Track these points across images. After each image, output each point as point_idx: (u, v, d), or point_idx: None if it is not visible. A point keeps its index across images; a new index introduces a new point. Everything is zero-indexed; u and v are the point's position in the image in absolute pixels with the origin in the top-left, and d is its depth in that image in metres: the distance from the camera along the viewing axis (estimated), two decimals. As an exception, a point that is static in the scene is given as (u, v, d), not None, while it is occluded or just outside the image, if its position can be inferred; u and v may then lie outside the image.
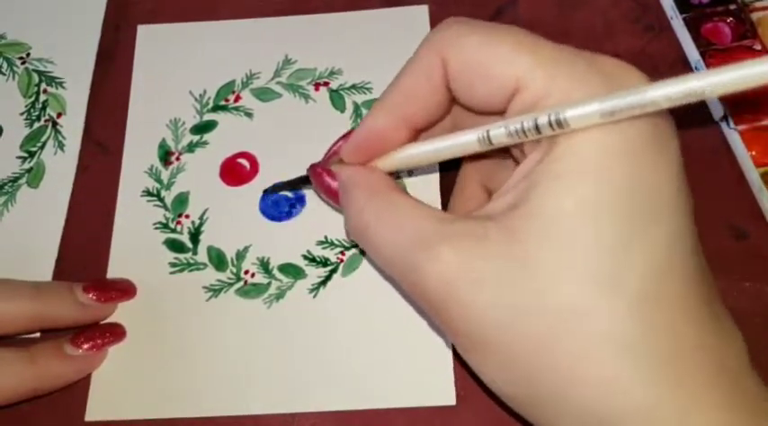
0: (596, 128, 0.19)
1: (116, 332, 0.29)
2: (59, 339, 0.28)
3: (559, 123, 0.19)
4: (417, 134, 0.25)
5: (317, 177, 0.27)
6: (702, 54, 0.32)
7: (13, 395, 0.27)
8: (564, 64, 0.20)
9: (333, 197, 0.27)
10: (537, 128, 0.20)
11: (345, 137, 0.26)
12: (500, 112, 0.22)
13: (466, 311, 0.20)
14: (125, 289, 0.30)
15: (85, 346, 0.28)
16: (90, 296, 0.28)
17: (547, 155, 0.20)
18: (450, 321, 0.21)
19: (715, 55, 0.32)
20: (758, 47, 0.32)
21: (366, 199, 0.23)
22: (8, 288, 0.27)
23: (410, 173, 0.31)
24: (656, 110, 0.19)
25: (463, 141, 0.22)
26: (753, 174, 0.30)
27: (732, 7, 0.33)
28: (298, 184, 0.30)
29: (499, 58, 0.21)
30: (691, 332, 0.19)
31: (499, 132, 0.21)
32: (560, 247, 0.19)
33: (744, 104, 0.31)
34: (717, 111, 0.31)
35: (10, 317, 0.27)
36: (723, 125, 0.31)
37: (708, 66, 0.32)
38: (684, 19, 0.33)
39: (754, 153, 0.30)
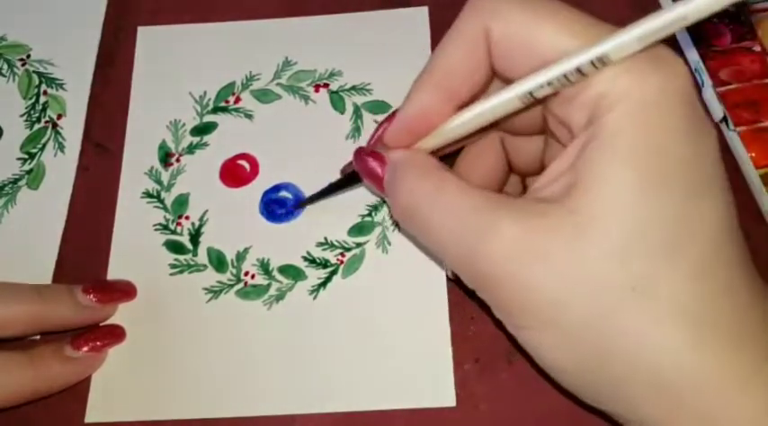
0: (644, 110, 0.19)
1: (115, 334, 0.29)
2: (59, 341, 0.28)
3: (601, 60, 0.19)
4: (458, 110, 0.24)
5: (361, 162, 0.26)
6: (702, 56, 0.32)
7: (13, 398, 0.27)
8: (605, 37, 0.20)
9: (377, 182, 0.26)
10: (579, 70, 0.19)
11: (389, 119, 0.25)
12: None
13: (526, 288, 0.20)
14: (125, 290, 0.30)
15: (85, 348, 0.28)
16: (90, 297, 0.28)
17: (598, 134, 0.20)
18: (506, 300, 0.21)
19: (715, 56, 0.32)
20: (757, 48, 0.32)
21: (417, 179, 0.23)
22: (8, 291, 0.27)
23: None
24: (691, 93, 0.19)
25: (506, 98, 0.21)
26: (753, 176, 0.30)
27: (731, 9, 0.33)
28: (334, 190, 0.30)
29: (543, 31, 0.20)
30: (745, 299, 0.19)
31: (540, 81, 0.20)
32: (624, 221, 0.19)
33: (743, 106, 0.31)
34: (716, 113, 0.31)
35: (11, 320, 0.27)
36: (723, 126, 0.31)
37: (707, 67, 0.32)
38: None
39: (753, 154, 0.30)
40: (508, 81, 0.23)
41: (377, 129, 0.27)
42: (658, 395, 0.19)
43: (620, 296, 0.19)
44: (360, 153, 0.26)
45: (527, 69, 0.21)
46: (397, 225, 0.31)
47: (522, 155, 0.27)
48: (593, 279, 0.19)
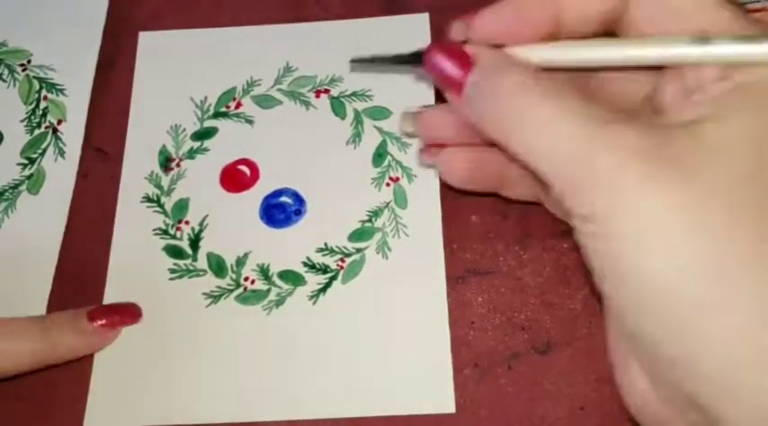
0: None
1: (132, 313, 0.29)
2: (75, 311, 0.28)
3: None
4: (548, 37, 0.22)
5: (436, 61, 0.22)
6: None
7: (24, 365, 0.27)
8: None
9: (449, 85, 0.22)
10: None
11: (469, 13, 0.22)
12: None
13: (631, 196, 0.18)
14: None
15: (101, 322, 0.28)
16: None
17: (731, 80, 0.19)
18: (605, 210, 0.18)
19: None
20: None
21: (531, 80, 0.20)
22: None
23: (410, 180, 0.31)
24: None
25: (675, 46, 0.20)
26: None
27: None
28: (399, 61, 0.25)
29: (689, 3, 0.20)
30: None
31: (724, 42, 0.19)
32: (740, 169, 0.18)
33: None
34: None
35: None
36: None
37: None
38: None
39: None
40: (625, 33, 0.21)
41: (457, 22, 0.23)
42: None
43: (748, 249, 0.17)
44: (435, 49, 0.22)
45: (661, 21, 0.20)
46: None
47: (616, 90, 0.24)
48: (725, 202, 0.17)
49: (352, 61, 0.27)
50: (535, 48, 0.21)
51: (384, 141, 0.33)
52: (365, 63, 0.26)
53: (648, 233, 0.18)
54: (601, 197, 0.19)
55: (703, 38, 0.19)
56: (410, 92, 0.33)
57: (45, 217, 0.32)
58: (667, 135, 0.18)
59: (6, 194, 0.33)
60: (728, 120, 0.18)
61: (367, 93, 0.34)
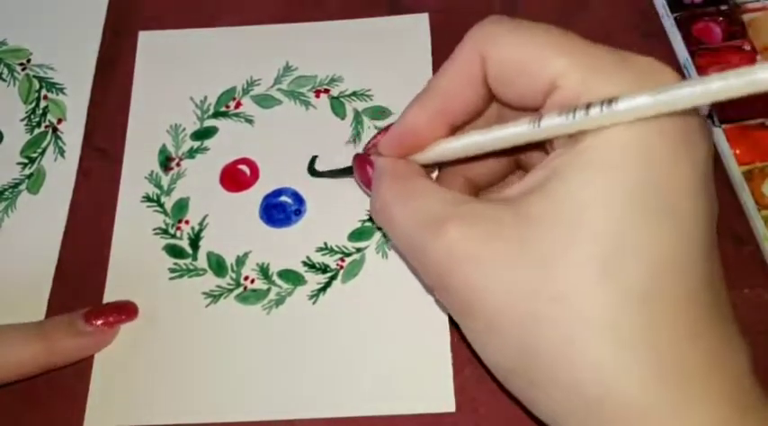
0: (622, 126, 0.19)
1: (129, 310, 0.29)
2: (72, 314, 0.28)
3: (610, 102, 0.19)
4: (454, 130, 0.25)
5: (358, 165, 0.29)
6: (692, 53, 0.33)
7: (25, 370, 0.27)
8: (598, 63, 0.20)
9: (367, 185, 0.28)
10: (587, 109, 0.20)
11: (385, 130, 0.27)
12: (537, 108, 0.22)
13: (464, 289, 0.21)
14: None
15: (98, 322, 0.28)
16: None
17: (571, 148, 0.20)
18: (450, 298, 0.22)
19: (704, 54, 0.33)
20: (747, 47, 0.33)
21: (391, 181, 0.25)
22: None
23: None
24: (689, 112, 0.19)
25: (512, 131, 0.22)
26: (735, 173, 0.30)
27: (723, 8, 0.34)
28: (344, 174, 0.31)
29: (535, 58, 0.21)
30: (686, 329, 0.19)
31: (552, 117, 0.21)
32: (566, 232, 0.19)
33: (730, 103, 0.31)
34: (702, 109, 0.32)
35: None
36: (708, 123, 0.31)
37: (696, 65, 0.32)
38: (675, 18, 0.34)
39: (737, 151, 0.30)
40: (506, 105, 0.24)
41: (374, 137, 0.29)
42: (579, 410, 0.19)
43: (548, 305, 0.19)
44: (356, 156, 0.29)
45: (523, 91, 0.22)
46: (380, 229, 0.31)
47: (533, 157, 0.27)
48: (523, 286, 0.20)
49: (313, 173, 0.32)
50: (419, 155, 0.26)
51: (384, 141, 0.33)
52: (325, 175, 0.32)
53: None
54: (437, 292, 0.23)
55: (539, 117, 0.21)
56: (410, 91, 0.33)
57: (45, 217, 0.32)
58: (495, 220, 0.21)
59: (6, 194, 0.33)
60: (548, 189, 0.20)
61: (367, 93, 0.34)
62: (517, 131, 0.22)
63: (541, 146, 0.24)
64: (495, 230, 0.20)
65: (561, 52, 0.21)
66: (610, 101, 0.19)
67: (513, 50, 0.22)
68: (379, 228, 0.31)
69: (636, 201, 0.19)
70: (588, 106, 0.20)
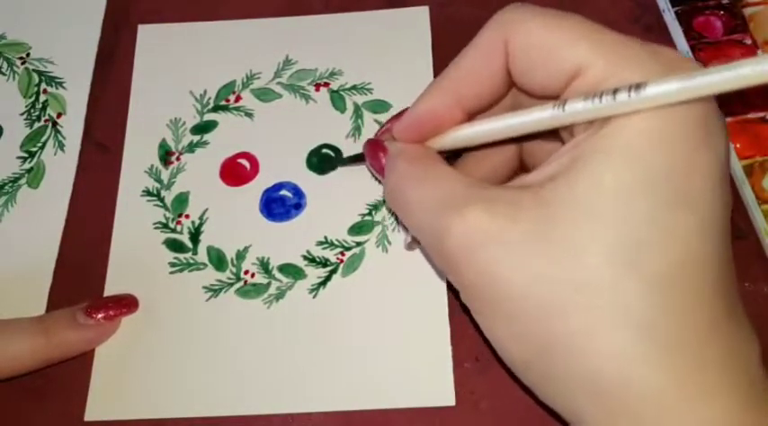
0: (645, 113, 0.19)
1: (129, 303, 0.29)
2: (72, 308, 0.28)
3: (638, 87, 0.19)
4: (470, 117, 0.25)
5: (371, 151, 0.28)
6: (693, 47, 0.33)
7: (26, 365, 0.27)
8: (624, 51, 0.20)
9: (380, 172, 0.27)
10: (614, 94, 0.19)
11: (399, 115, 0.27)
12: (556, 96, 0.22)
13: (483, 274, 0.20)
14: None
15: (99, 315, 0.28)
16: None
17: (593, 134, 0.20)
18: (466, 284, 0.21)
19: (705, 48, 0.33)
20: (748, 41, 0.33)
21: (407, 164, 0.24)
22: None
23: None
24: (708, 101, 0.19)
25: (537, 116, 0.22)
26: (736, 166, 0.30)
27: (725, 1, 0.33)
28: (356, 160, 0.31)
29: (561, 43, 0.21)
30: (705, 320, 0.19)
31: (577, 101, 0.21)
32: (588, 220, 0.19)
33: (731, 97, 0.31)
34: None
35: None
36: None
37: (697, 59, 0.32)
38: (677, 12, 0.33)
39: (738, 145, 0.30)
40: (525, 92, 0.23)
41: (387, 122, 0.28)
42: (598, 400, 0.19)
43: (568, 293, 0.19)
44: (368, 141, 0.28)
45: (545, 77, 0.22)
46: (393, 213, 0.31)
47: (537, 157, 0.27)
48: (545, 273, 0.19)
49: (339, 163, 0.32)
50: (434, 140, 0.25)
51: (384, 135, 0.33)
52: (346, 163, 0.32)
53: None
54: (453, 276, 0.22)
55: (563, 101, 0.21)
56: (410, 85, 0.33)
57: (45, 211, 0.32)
58: (516, 204, 0.20)
59: (6, 188, 0.33)
60: (570, 178, 0.20)
61: (367, 87, 0.34)
62: (542, 116, 0.22)
63: (557, 136, 0.24)
64: (516, 214, 0.20)
65: (586, 38, 0.21)
66: (638, 86, 0.19)
67: (539, 35, 0.21)
68: (391, 212, 0.31)
69: (660, 190, 0.19)
70: (615, 91, 0.19)
